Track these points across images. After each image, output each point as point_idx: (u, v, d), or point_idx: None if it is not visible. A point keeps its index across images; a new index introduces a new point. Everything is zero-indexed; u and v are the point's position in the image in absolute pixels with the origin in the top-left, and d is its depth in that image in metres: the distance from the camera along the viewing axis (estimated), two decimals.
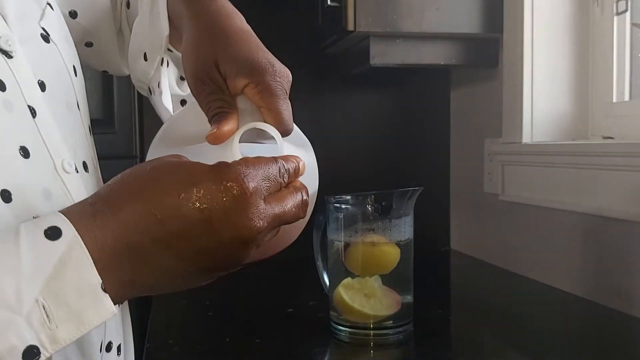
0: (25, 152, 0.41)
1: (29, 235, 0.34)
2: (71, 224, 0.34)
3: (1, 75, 0.40)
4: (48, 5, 0.50)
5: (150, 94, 0.64)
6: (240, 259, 0.39)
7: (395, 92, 1.44)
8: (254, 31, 0.50)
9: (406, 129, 1.44)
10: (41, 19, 0.48)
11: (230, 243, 0.37)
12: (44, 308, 0.32)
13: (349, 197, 0.81)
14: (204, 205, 0.36)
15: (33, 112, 0.42)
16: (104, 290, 0.34)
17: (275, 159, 0.41)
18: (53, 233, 0.34)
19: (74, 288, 0.33)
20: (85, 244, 0.34)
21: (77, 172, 0.46)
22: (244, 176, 0.37)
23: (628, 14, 1.06)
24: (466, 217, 1.40)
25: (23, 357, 0.32)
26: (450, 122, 1.46)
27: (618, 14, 1.07)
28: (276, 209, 0.39)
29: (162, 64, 0.57)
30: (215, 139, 0.43)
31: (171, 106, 0.59)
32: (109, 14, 0.67)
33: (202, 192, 0.36)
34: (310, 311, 0.94)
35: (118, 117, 1.78)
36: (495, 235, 1.26)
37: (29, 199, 0.40)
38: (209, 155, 0.42)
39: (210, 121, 0.44)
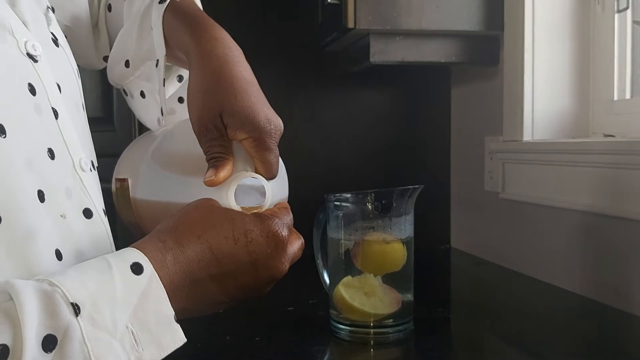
0: (51, 154, 0.44)
1: (119, 269, 0.39)
2: (149, 262, 0.40)
3: (32, 80, 0.43)
4: (49, 9, 0.52)
5: (126, 95, 0.67)
6: (264, 293, 0.48)
7: (396, 90, 1.44)
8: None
9: (406, 127, 1.44)
10: (49, 24, 0.50)
11: (264, 281, 0.46)
12: (132, 333, 0.38)
13: (349, 195, 0.81)
14: (252, 251, 0.45)
15: (56, 114, 0.45)
16: (176, 321, 0.40)
17: (287, 210, 0.50)
18: (137, 269, 0.39)
19: (153, 318, 0.39)
20: (160, 279, 0.40)
21: (91, 170, 0.49)
22: (282, 228, 0.46)
23: (629, 11, 1.05)
24: (466, 215, 1.40)
25: None
26: (450, 120, 1.46)
27: (619, 11, 1.07)
28: (292, 251, 0.48)
29: (164, 84, 0.60)
30: (212, 184, 0.49)
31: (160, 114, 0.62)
32: (86, 9, 0.69)
33: (251, 239, 0.45)
34: (310, 309, 0.94)
35: (117, 115, 1.79)
36: (496, 234, 1.26)
37: (56, 198, 0.43)
38: (207, 192, 0.50)
39: (208, 162, 0.50)
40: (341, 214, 0.81)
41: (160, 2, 0.58)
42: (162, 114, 0.62)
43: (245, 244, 0.44)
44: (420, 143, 1.45)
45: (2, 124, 0.39)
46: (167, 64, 0.62)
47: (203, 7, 0.67)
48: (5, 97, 0.40)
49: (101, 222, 0.48)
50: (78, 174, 0.47)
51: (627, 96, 1.07)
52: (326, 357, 0.80)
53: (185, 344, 0.82)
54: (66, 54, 0.52)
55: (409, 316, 0.82)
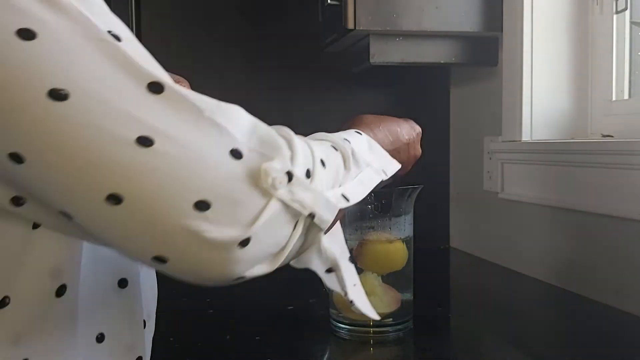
0: None
1: (351, 131, 0.58)
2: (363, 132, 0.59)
3: None
4: None
5: None
6: (408, 168, 0.68)
7: (395, 90, 1.44)
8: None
9: None
10: None
11: (412, 158, 0.69)
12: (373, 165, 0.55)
13: None
14: (407, 137, 0.68)
15: None
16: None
17: None
18: (358, 133, 0.58)
19: (381, 152, 0.59)
20: None
21: None
22: (417, 125, 0.72)
23: (627, 12, 1.06)
24: (466, 215, 1.41)
25: (383, 173, 0.56)
26: (449, 121, 1.46)
27: (617, 12, 1.07)
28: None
29: None
30: None
31: None
32: None
33: (406, 129, 0.69)
34: (311, 309, 0.94)
35: None
36: (495, 233, 1.26)
37: None
38: None
39: None
40: None
41: None
42: None
43: (402, 132, 0.67)
44: (420, 143, 1.45)
45: None
46: None
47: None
48: None
49: None
50: None
51: (625, 97, 1.07)
52: (326, 356, 0.81)
53: (185, 343, 0.82)
54: None
55: (409, 315, 0.82)
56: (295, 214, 0.40)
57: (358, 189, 0.50)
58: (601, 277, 0.95)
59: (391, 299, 0.80)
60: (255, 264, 0.40)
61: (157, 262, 0.37)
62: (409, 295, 0.83)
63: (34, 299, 0.42)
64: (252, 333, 0.83)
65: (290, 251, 0.42)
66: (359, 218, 0.81)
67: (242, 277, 0.40)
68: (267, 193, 0.38)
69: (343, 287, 0.58)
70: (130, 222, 0.35)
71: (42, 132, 0.33)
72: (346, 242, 0.81)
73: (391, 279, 0.81)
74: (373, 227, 0.81)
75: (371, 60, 1.16)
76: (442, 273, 1.28)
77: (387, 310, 0.80)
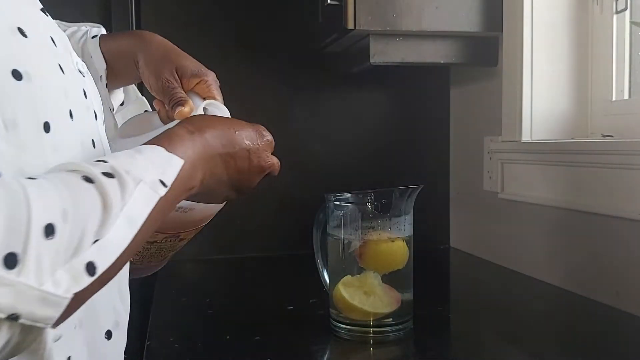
0: (94, 144, 0.53)
1: (154, 149, 0.49)
2: (177, 156, 0.50)
3: (84, 87, 0.54)
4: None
5: None
6: (254, 183, 0.61)
7: (395, 90, 1.44)
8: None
9: (406, 127, 1.44)
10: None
11: (255, 169, 0.59)
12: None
13: (348, 195, 0.82)
14: (248, 142, 0.59)
15: (95, 116, 0.55)
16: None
17: None
18: (169, 149, 0.49)
19: (160, 156, 0.48)
20: (187, 149, 0.51)
21: None
22: (267, 132, 0.61)
23: (627, 12, 1.06)
24: (466, 215, 1.41)
25: (161, 185, 0.46)
26: (450, 120, 1.46)
27: (617, 12, 1.07)
28: (275, 159, 0.62)
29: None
30: (182, 115, 0.64)
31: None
32: None
33: (248, 134, 0.59)
34: (310, 309, 0.95)
35: None
36: (495, 233, 1.26)
37: None
38: None
39: (173, 106, 0.65)
40: (341, 214, 0.82)
41: (92, 37, 0.72)
42: (113, 109, 0.73)
43: (245, 136, 0.58)
44: (420, 143, 1.45)
45: (71, 109, 0.48)
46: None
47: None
48: (73, 92, 0.50)
49: None
50: None
51: (626, 96, 1.07)
52: (326, 356, 0.81)
53: (185, 344, 0.82)
54: (92, 80, 0.60)
55: (409, 315, 0.82)
56: None
57: (122, 232, 0.41)
58: (601, 277, 0.95)
59: (391, 299, 0.80)
60: None
61: None
62: (409, 295, 0.83)
63: None
64: (252, 333, 0.83)
65: None
66: (360, 218, 0.81)
67: None
68: None
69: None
70: None
71: None
72: (347, 242, 0.82)
73: (391, 278, 0.81)
74: (373, 227, 0.81)
75: (371, 60, 1.16)
76: (442, 273, 1.29)
77: (387, 310, 0.80)
